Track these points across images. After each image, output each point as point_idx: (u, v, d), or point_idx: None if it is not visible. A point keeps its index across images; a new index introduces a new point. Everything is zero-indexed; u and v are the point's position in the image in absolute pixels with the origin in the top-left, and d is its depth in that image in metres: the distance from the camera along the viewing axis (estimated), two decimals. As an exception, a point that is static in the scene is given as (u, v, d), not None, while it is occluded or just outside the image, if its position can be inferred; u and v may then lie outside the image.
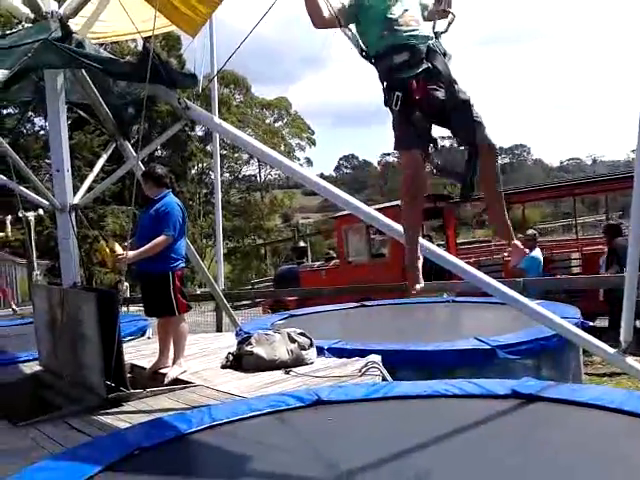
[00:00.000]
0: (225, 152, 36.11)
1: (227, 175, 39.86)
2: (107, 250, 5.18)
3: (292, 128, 41.23)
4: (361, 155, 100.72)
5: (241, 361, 5.18)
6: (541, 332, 5.12)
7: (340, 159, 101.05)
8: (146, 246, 5.16)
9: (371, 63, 2.49)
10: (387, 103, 2.39)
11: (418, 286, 2.81)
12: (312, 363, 5.09)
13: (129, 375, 5.08)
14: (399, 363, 4.92)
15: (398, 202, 13.20)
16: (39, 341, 5.82)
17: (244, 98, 39.60)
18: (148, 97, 5.88)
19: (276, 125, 41.45)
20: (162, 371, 5.29)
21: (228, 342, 6.36)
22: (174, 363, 5.28)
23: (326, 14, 2.56)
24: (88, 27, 6.13)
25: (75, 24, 5.71)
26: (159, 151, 34.37)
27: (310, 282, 13.34)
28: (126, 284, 5.31)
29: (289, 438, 3.37)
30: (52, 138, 5.89)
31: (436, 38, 2.51)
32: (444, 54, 2.45)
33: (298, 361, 5.04)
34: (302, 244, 18.40)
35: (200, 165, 37.71)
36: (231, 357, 5.32)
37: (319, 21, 2.57)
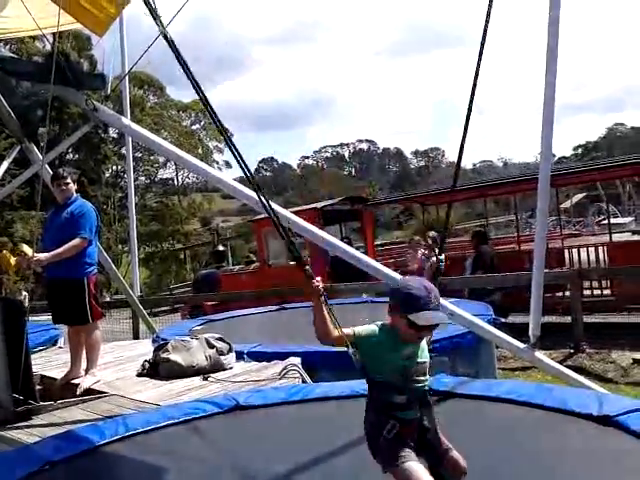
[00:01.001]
0: (140, 155, 35.26)
1: (143, 179, 38.89)
2: (9, 259, 4.95)
3: (210, 131, 40.72)
4: (280, 158, 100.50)
5: (157, 369, 5.05)
6: (456, 329, 5.25)
7: (260, 162, 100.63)
8: (61, 248, 4.92)
9: (369, 385, 2.49)
10: (377, 430, 2.42)
11: None
12: (231, 368, 5.03)
13: (39, 387, 4.88)
14: (319, 365, 4.94)
15: (316, 205, 13.31)
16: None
17: (159, 100, 38.79)
18: (57, 98, 5.67)
19: (193, 128, 40.84)
20: (74, 381, 5.09)
21: (145, 350, 6.18)
22: (87, 373, 5.09)
23: (335, 333, 2.52)
24: (-12, 25, 5.86)
25: (-26, 20, 5.45)
26: (70, 154, 33.16)
27: (230, 286, 13.19)
28: (25, 293, 5.08)
29: (206, 446, 3.32)
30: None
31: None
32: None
33: (216, 367, 4.96)
34: (221, 248, 18.16)
35: (114, 168, 36.64)
36: (147, 365, 5.17)
37: (326, 338, 2.53)
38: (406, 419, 2.41)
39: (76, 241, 4.97)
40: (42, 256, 4.91)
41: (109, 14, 5.59)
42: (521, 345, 4.34)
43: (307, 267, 2.69)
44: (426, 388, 2.49)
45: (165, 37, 3.19)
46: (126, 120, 5.32)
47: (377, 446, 2.44)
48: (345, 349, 2.48)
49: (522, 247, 11.32)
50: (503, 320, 6.25)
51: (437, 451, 2.46)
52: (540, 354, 4.37)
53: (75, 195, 5.26)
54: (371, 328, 2.51)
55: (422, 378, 2.48)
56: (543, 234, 4.55)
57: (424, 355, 2.52)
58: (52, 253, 4.93)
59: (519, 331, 4.83)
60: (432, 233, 10.05)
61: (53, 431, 3.75)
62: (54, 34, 6.11)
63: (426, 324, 2.36)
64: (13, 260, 5.07)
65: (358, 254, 5.14)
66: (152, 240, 35.48)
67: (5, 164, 6.74)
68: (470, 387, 3.78)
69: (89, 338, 5.16)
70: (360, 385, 3.91)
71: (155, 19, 3.23)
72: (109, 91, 5.74)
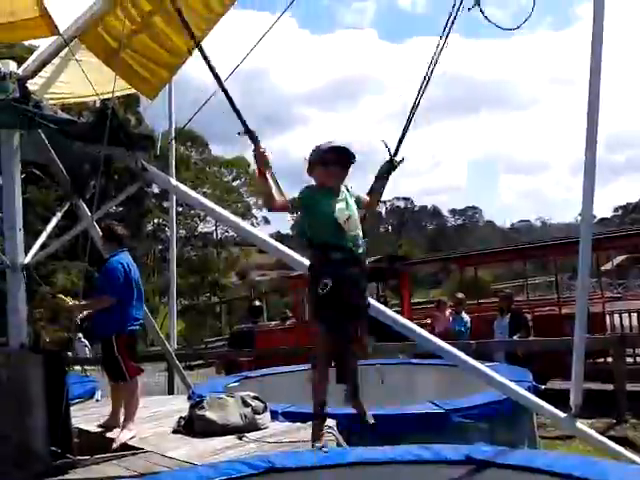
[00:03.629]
0: (181, 209, 36.00)
1: (183, 232, 39.63)
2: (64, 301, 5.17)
3: (250, 187, 41.45)
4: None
5: (193, 426, 5.05)
6: (495, 395, 5.17)
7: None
8: (89, 301, 5.29)
9: (308, 247, 2.89)
10: (313, 285, 2.73)
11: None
12: (266, 428, 5.00)
13: (76, 440, 4.91)
14: (354, 427, 4.87)
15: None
16: (-19, 404, 5.59)
17: (201, 156, 39.78)
18: (106, 155, 5.91)
19: (234, 184, 41.62)
20: (110, 435, 5.13)
21: (180, 405, 6.20)
22: (123, 427, 5.14)
23: (279, 200, 2.95)
24: (47, 87, 6.17)
25: (34, 84, 5.75)
26: (114, 207, 34.01)
27: (266, 342, 13.20)
28: None
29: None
30: (5, 196, 5.82)
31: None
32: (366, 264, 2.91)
33: (252, 426, 4.94)
34: (258, 303, 18.25)
35: (155, 221, 37.44)
36: (183, 421, 5.18)
37: (272, 204, 2.97)
38: (339, 276, 2.67)
39: (102, 298, 5.27)
40: (73, 304, 5.15)
41: (161, 79, 5.86)
42: (562, 414, 4.24)
43: (257, 136, 3.03)
44: (360, 250, 2.79)
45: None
46: (174, 181, 5.53)
47: (310, 299, 2.80)
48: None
49: (563, 310, 11.11)
50: (543, 387, 6.12)
51: (357, 324, 2.80)
52: (582, 424, 4.26)
53: (117, 250, 5.51)
54: (301, 190, 2.92)
55: (355, 234, 2.81)
56: (585, 298, 4.49)
57: (351, 209, 2.87)
58: (81, 303, 5.23)
59: (559, 398, 4.72)
60: (459, 294, 10.45)
61: (89, 486, 3.78)
62: (108, 98, 6.42)
63: (325, 155, 2.76)
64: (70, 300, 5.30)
65: (393, 315, 5.16)
66: (190, 293, 35.82)
67: (54, 220, 6.97)
68: (510, 457, 3.69)
69: (126, 394, 5.24)
70: (396, 451, 3.86)
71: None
72: (157, 152, 5.96)
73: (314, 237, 2.79)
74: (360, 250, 2.75)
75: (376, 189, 3.16)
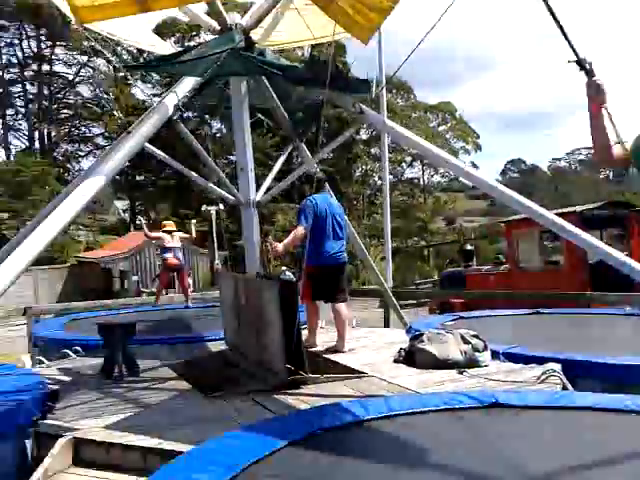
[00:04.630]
0: (388, 155, 36.25)
1: (390, 177, 39.95)
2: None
3: (456, 132, 40.44)
4: (529, 159, 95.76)
5: (413, 357, 5.21)
6: None
7: (507, 163, 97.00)
8: (286, 240, 5.78)
9: None
10: None
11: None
12: (486, 366, 5.00)
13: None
14: (580, 374, 4.68)
15: (574, 208, 12.49)
16: (225, 323, 6.28)
17: (406, 102, 39.49)
18: (321, 100, 6.18)
19: (440, 129, 40.86)
20: (334, 358, 5.63)
21: (397, 338, 6.52)
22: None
23: (615, 151, 2.34)
24: (266, 36, 6.55)
25: (254, 34, 6.12)
26: (325, 154, 35.26)
27: (477, 285, 13.02)
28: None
29: (463, 436, 3.35)
30: (237, 140, 6.38)
31: None
32: None
33: (471, 362, 4.97)
34: (469, 247, 17.96)
35: (364, 167, 38.17)
36: (403, 352, 5.37)
37: (603, 154, 2.38)
38: None
39: (294, 233, 5.73)
40: (277, 245, 5.65)
41: (374, 23, 5.90)
42: None
43: (590, 63, 2.42)
44: None
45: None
46: (390, 122, 5.65)
47: None
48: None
49: None
50: None
51: None
52: None
53: (313, 194, 5.89)
54: None
55: None
56: None
57: None
58: (283, 243, 5.73)
59: None
60: None
61: (320, 402, 4.07)
62: (315, 45, 6.71)
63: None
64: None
65: (626, 259, 4.83)
66: (397, 236, 36.33)
67: (280, 161, 7.47)
68: None
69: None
70: (623, 400, 3.63)
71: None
72: (373, 95, 6.09)
73: None
74: None
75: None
